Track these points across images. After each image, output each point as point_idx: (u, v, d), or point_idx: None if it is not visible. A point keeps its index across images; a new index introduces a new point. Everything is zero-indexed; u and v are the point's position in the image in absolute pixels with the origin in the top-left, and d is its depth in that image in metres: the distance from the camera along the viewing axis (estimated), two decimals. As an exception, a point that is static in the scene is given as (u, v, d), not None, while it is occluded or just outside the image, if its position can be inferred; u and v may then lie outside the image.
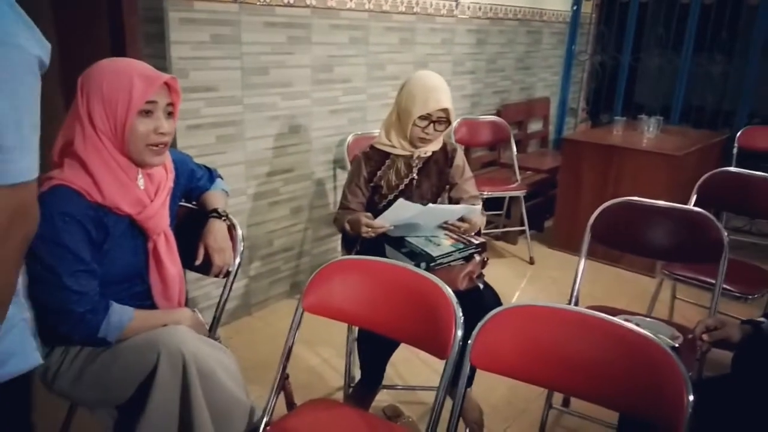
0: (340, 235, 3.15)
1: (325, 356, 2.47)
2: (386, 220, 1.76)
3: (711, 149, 3.73)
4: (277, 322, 2.78)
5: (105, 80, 1.27)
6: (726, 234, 1.83)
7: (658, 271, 3.29)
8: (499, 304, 1.70)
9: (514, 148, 3.67)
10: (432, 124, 1.86)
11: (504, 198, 3.77)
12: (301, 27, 2.71)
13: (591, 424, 1.99)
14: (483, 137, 3.68)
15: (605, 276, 3.25)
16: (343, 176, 3.11)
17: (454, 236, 1.80)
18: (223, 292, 1.60)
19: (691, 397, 1.07)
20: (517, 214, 3.73)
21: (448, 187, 2.01)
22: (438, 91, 1.83)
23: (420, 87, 1.84)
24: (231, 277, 1.58)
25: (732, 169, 2.55)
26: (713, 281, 1.95)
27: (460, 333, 1.24)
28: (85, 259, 1.27)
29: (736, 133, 3.68)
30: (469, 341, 1.23)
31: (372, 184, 1.96)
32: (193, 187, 1.62)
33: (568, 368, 1.19)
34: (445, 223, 1.86)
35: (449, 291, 1.29)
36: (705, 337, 1.41)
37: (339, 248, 3.18)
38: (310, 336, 2.49)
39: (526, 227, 3.61)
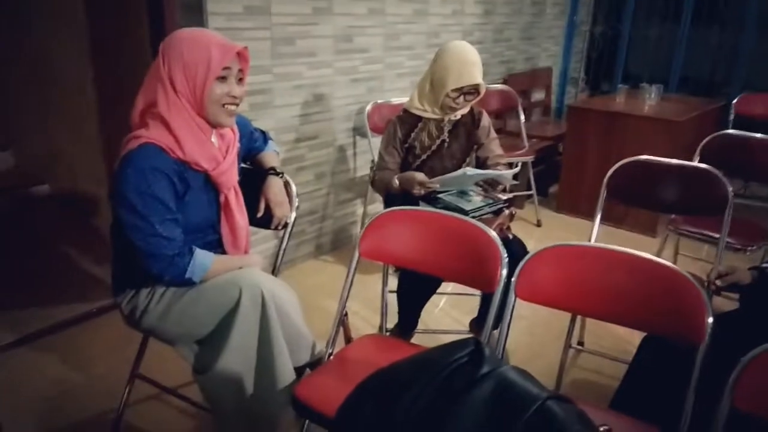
0: (359, 199, 3.37)
1: (355, 309, 2.66)
2: (439, 182, 1.93)
3: (708, 116, 3.90)
4: (305, 280, 2.96)
5: (185, 48, 1.41)
6: (731, 189, 2.02)
7: (661, 230, 3.51)
8: (526, 252, 1.88)
9: (522, 116, 3.82)
10: (463, 96, 2.01)
11: (510, 164, 3.94)
12: (324, -2, 2.83)
13: (605, 361, 2.18)
14: (492, 105, 3.82)
15: (609, 237, 3.43)
16: (362, 143, 3.26)
17: (485, 193, 1.98)
18: (281, 242, 1.77)
19: (710, 319, 1.25)
20: (524, 179, 3.90)
21: (475, 147, 2.17)
22: (472, 65, 1.98)
23: (455, 60, 1.98)
24: (289, 228, 1.74)
25: (732, 131, 2.74)
26: (716, 235, 2.14)
27: (505, 270, 1.41)
28: (172, 209, 1.42)
29: (732, 100, 3.85)
30: (513, 278, 1.41)
31: (406, 146, 2.12)
32: (251, 148, 1.77)
33: (602, 297, 1.38)
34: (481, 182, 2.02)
35: (493, 233, 1.46)
36: (718, 282, 1.60)
37: (359, 212, 3.39)
38: (338, 293, 2.67)
39: (534, 192, 3.78)
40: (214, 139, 1.52)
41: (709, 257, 2.41)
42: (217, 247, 1.60)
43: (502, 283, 1.41)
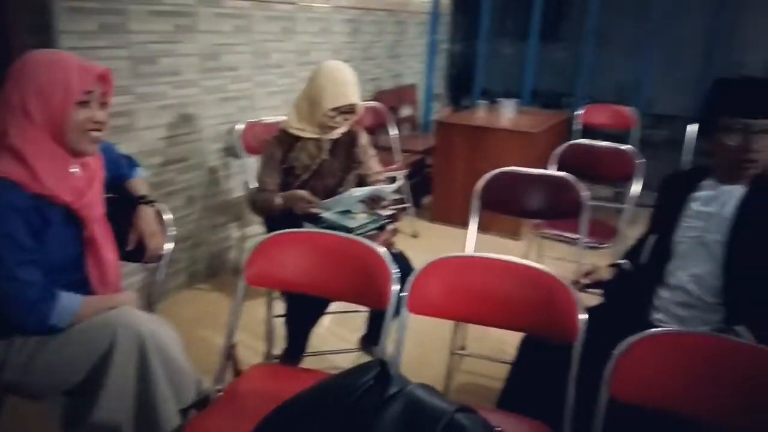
0: (235, 223, 3.26)
1: (238, 338, 2.55)
2: (325, 204, 1.92)
3: (558, 127, 4.28)
4: (179, 313, 2.79)
5: (40, 71, 1.28)
6: (586, 193, 2.22)
7: (524, 233, 3.76)
8: (410, 265, 1.94)
9: (395, 131, 3.93)
10: (341, 115, 2.03)
11: (391, 179, 4.04)
12: (186, 15, 2.72)
13: (487, 363, 2.29)
14: (364, 122, 3.89)
15: (480, 243, 3.59)
16: (235, 164, 3.16)
17: (369, 210, 2.00)
18: (156, 275, 1.65)
19: (583, 317, 1.36)
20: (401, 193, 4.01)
21: (355, 165, 2.19)
22: (348, 85, 2.00)
23: (331, 80, 1.99)
24: (164, 260, 1.63)
25: (581, 141, 3.02)
26: (575, 235, 2.35)
27: (396, 285, 1.43)
28: (29, 249, 1.28)
29: (577, 111, 4.26)
30: (404, 293, 1.43)
31: (285, 166, 2.09)
32: (118, 175, 1.64)
33: (485, 304, 1.45)
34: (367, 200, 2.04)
35: (382, 249, 1.48)
36: (584, 280, 1.75)
37: (234, 235, 3.27)
38: (218, 323, 2.56)
39: (409, 204, 3.90)
40: (75, 169, 1.39)
41: (568, 256, 2.62)
42: (84, 286, 1.46)
43: (393, 299, 1.42)
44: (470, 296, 1.44)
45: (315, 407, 0.82)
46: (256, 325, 2.21)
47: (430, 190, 4.21)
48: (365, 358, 2.30)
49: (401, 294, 1.43)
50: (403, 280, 1.47)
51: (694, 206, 1.65)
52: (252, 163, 2.97)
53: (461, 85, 5.52)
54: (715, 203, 1.61)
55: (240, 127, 2.97)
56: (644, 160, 2.86)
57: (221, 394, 1.47)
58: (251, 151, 2.92)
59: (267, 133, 2.48)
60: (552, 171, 2.34)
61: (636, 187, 2.79)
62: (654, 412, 1.22)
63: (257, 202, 2.10)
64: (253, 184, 2.78)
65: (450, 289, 1.43)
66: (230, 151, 3.13)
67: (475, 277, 1.45)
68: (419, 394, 0.81)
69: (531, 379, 1.60)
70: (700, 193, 1.65)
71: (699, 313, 1.57)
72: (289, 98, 3.46)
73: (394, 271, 1.45)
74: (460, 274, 1.44)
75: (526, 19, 4.90)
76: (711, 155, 1.63)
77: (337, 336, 2.59)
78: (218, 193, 3.14)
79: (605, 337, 1.48)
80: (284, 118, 2.17)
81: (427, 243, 3.77)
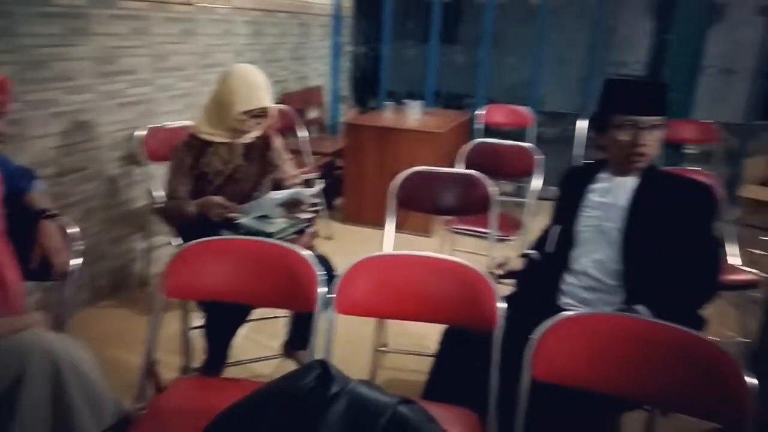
0: (139, 234, 3.11)
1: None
2: (242, 208, 1.88)
3: (461, 126, 4.44)
4: (86, 332, 2.62)
5: None
6: (494, 189, 2.33)
7: (435, 230, 3.88)
8: (331, 267, 1.95)
9: (304, 133, 3.92)
10: (253, 119, 2.00)
11: (307, 181, 4.01)
12: (78, 17, 2.56)
13: (409, 358, 2.35)
14: (274, 124, 3.85)
15: (396, 241, 3.71)
16: (137, 172, 3.02)
17: (287, 214, 1.99)
18: (66, 292, 1.55)
19: (501, 305, 1.44)
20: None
21: (270, 169, 2.17)
22: (260, 88, 1.97)
23: (242, 83, 1.96)
24: (71, 277, 1.54)
25: (485, 139, 3.17)
26: (485, 230, 2.46)
27: (322, 287, 1.44)
28: None
29: (477, 112, 4.44)
30: (332, 294, 1.45)
31: (197, 172, 2.03)
32: (16, 189, 1.53)
33: (409, 299, 1.49)
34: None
35: (307, 252, 1.48)
36: (497, 271, 1.84)
37: (139, 247, 3.12)
38: (128, 340, 2.45)
39: (323, 207, 3.89)
40: (-33, 183, 1.28)
41: (479, 250, 2.74)
42: (-16, 310, 1.35)
43: (321, 301, 1.43)
44: (396, 294, 1.48)
45: (257, 413, 0.81)
46: (170, 339, 2.13)
47: (342, 192, 4.23)
48: (288, 364, 2.28)
49: (329, 296, 1.44)
50: (328, 282, 1.48)
51: (592, 197, 1.79)
52: (156, 171, 2.85)
53: (366, 86, 5.59)
54: (611, 194, 1.75)
55: (141, 133, 2.84)
56: (542, 156, 3.05)
57: (144, 412, 1.41)
58: (155, 157, 2.80)
59: (171, 139, 2.38)
60: (461, 169, 2.44)
61: (537, 182, 2.97)
62: (572, 389, 1.32)
63: (168, 211, 2.02)
64: (158, 192, 2.67)
65: (376, 288, 1.46)
66: (131, 159, 2.98)
67: (399, 275, 1.49)
68: (361, 390, 0.83)
69: (454, 369, 1.66)
70: (597, 185, 1.80)
71: (602, 295, 1.71)
72: (192, 102, 3.35)
73: (320, 273, 1.46)
74: (386, 273, 1.48)
75: (427, 23, 5.04)
76: (604, 149, 1.78)
77: (257, 343, 2.54)
78: (119, 204, 2.98)
79: (521, 323, 1.58)
80: (189, 122, 2.11)
81: (342, 245, 3.79)
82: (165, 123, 2.99)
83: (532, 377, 1.28)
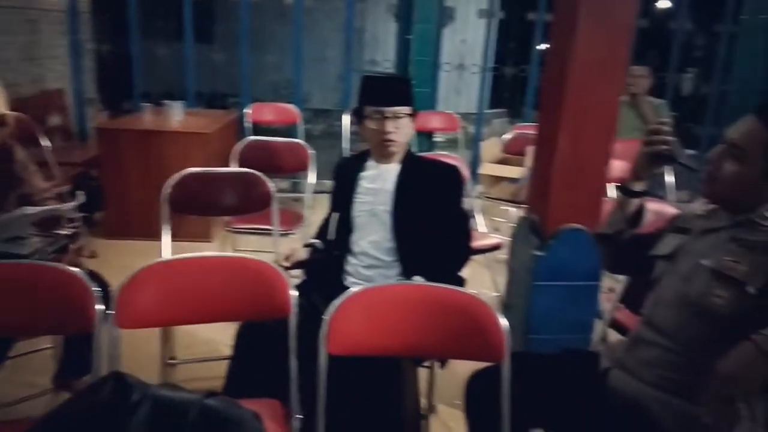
0: None
1: None
2: None
3: (229, 126, 4.38)
4: None
5: None
6: (272, 186, 2.37)
7: (216, 233, 3.78)
8: (105, 282, 1.81)
9: (47, 143, 3.47)
10: None
11: (61, 195, 3.55)
12: None
13: (202, 365, 2.28)
14: (12, 134, 3.34)
15: (174, 252, 3.52)
16: None
17: (44, 232, 1.77)
18: None
19: (293, 293, 1.50)
20: (65, 211, 3.57)
21: (15, 183, 1.90)
22: None
23: None
24: None
25: (257, 137, 3.18)
26: (267, 227, 2.50)
27: (100, 305, 1.33)
28: None
29: (244, 110, 4.42)
30: (111, 311, 1.34)
31: None
32: None
33: (201, 303, 1.46)
34: None
35: (77, 271, 1.35)
36: (285, 263, 1.89)
37: None
38: None
39: (81, 223, 3.50)
40: None
41: (264, 247, 2.76)
42: None
43: (99, 319, 1.32)
44: (184, 299, 1.43)
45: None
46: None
47: (102, 205, 3.86)
48: (64, 397, 2.03)
49: (108, 312, 1.34)
50: (104, 299, 1.37)
51: (363, 184, 1.95)
52: None
53: (117, 88, 5.15)
54: (379, 180, 1.93)
55: None
56: (314, 151, 3.18)
57: None
58: None
59: None
60: (237, 168, 2.42)
61: (312, 176, 3.09)
62: (367, 359, 1.44)
63: None
64: None
65: (162, 296, 1.40)
66: None
67: (186, 279, 1.44)
68: (164, 393, 0.81)
69: (253, 363, 1.67)
70: (366, 173, 1.97)
71: (381, 270, 1.88)
72: None
73: (95, 289, 1.34)
74: (171, 279, 1.42)
75: (179, 21, 4.82)
76: (365, 140, 1.96)
77: (20, 384, 2.21)
78: None
79: (314, 307, 1.66)
80: None
81: (109, 261, 3.46)
82: None
83: (328, 354, 1.36)
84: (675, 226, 1.48)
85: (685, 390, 1.27)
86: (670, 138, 1.40)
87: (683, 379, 1.29)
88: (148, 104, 4.12)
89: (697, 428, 1.19)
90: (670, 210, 2.02)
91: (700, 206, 1.47)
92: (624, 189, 1.51)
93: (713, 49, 5.18)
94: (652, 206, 1.66)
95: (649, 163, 1.45)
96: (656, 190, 3.61)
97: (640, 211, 1.52)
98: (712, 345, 1.19)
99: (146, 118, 3.97)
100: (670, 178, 3.64)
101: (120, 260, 3.44)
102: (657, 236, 1.51)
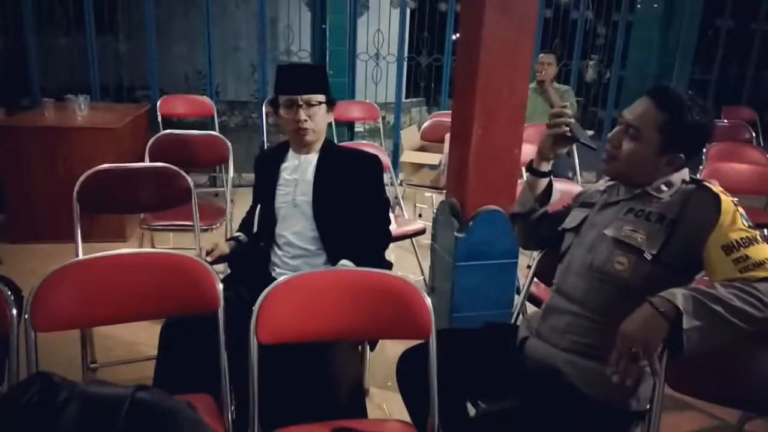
0: None
1: None
2: None
3: (139, 120, 4.19)
4: None
5: None
6: (190, 180, 2.32)
7: (131, 232, 3.64)
8: (18, 288, 1.71)
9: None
10: None
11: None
12: None
13: (128, 367, 2.21)
14: None
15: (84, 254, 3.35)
16: None
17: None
18: None
19: (219, 286, 1.48)
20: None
21: None
22: None
23: None
24: None
25: (173, 131, 3.09)
26: (187, 222, 2.44)
27: (14, 309, 1.27)
28: None
29: (155, 103, 4.26)
30: (26, 315, 1.29)
31: None
32: None
33: (122, 302, 1.43)
34: None
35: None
36: (208, 258, 1.86)
37: None
38: None
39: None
40: None
41: (185, 244, 2.69)
42: None
43: (14, 325, 1.26)
44: (104, 298, 1.39)
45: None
46: None
47: (3, 208, 3.61)
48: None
49: (24, 316, 1.28)
50: (17, 303, 1.31)
51: (285, 175, 1.95)
52: None
53: (10, 83, 4.80)
54: (299, 170, 1.94)
55: None
56: (231, 144, 3.12)
57: None
58: None
59: None
60: (152, 163, 2.35)
61: (231, 169, 3.04)
62: (299, 345, 1.45)
63: None
64: None
65: (81, 297, 1.35)
66: None
67: (105, 278, 1.40)
68: (93, 389, 0.80)
69: (181, 360, 1.64)
70: (287, 164, 1.97)
71: (307, 260, 1.89)
72: None
73: (7, 292, 1.28)
74: (89, 279, 1.37)
75: (77, 10, 4.55)
76: (282, 131, 1.96)
77: None
78: None
79: (242, 300, 1.66)
80: None
81: (16, 266, 3.24)
82: None
83: (258, 343, 1.37)
84: (580, 201, 1.60)
85: (596, 352, 1.38)
86: (570, 120, 1.52)
87: (593, 342, 1.40)
88: (49, 100, 3.87)
89: (607, 387, 1.30)
90: (576, 188, 2.15)
91: (602, 183, 1.59)
92: (532, 169, 1.62)
93: (613, 37, 5.51)
94: (560, 186, 1.79)
95: (552, 144, 1.57)
96: (565, 172, 3.84)
97: (548, 190, 1.63)
98: (618, 309, 1.29)
99: (47, 113, 3.74)
100: (577, 161, 3.87)
101: (27, 265, 3.24)
102: (565, 213, 1.62)
